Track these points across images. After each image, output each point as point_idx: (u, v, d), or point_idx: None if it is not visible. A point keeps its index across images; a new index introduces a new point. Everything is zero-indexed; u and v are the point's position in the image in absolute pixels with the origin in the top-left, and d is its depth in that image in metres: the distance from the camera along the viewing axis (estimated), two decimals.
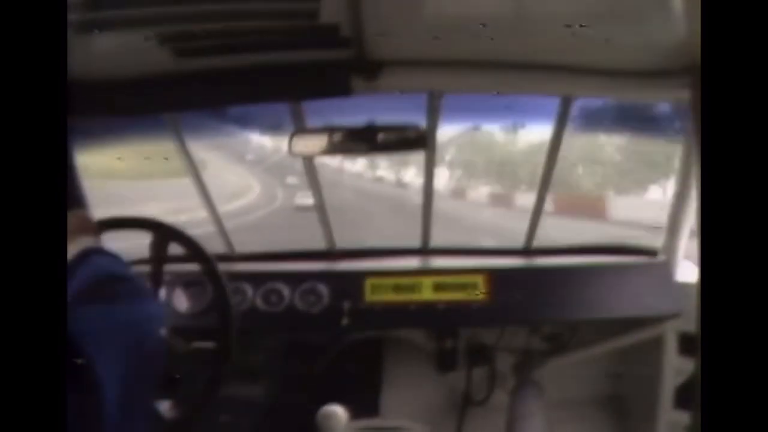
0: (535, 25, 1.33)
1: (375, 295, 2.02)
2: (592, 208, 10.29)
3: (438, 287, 2.03)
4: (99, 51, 1.43)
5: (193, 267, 1.70)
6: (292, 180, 13.42)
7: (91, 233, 1.30)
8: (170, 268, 1.68)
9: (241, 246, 2.36)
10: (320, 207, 2.26)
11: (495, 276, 2.04)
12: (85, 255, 1.18)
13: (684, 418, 1.99)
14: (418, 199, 2.27)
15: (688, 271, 2.05)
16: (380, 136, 1.70)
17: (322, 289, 2.02)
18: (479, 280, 2.03)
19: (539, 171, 2.12)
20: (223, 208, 2.30)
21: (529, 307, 2.01)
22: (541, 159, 2.08)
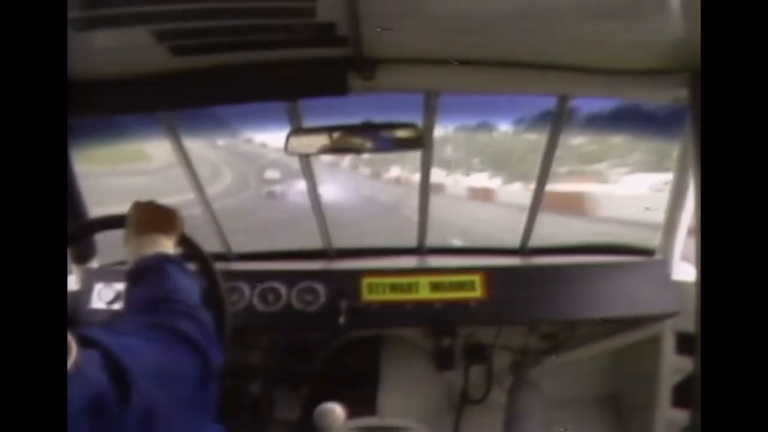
0: (533, 24, 1.33)
1: (372, 294, 2.02)
2: None
3: (435, 286, 2.02)
4: (95, 49, 1.42)
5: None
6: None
7: (174, 237, 1.22)
8: None
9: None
10: (317, 206, 2.26)
11: (492, 275, 2.04)
12: (160, 262, 1.10)
13: (681, 416, 2.00)
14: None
15: (685, 270, 2.05)
16: (377, 135, 1.69)
17: (319, 288, 2.02)
18: (476, 279, 2.03)
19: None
20: None
21: (526, 306, 2.01)
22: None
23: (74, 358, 0.71)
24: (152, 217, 1.21)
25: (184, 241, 1.28)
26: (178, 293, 1.02)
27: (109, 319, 0.92)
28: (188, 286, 1.08)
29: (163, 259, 1.11)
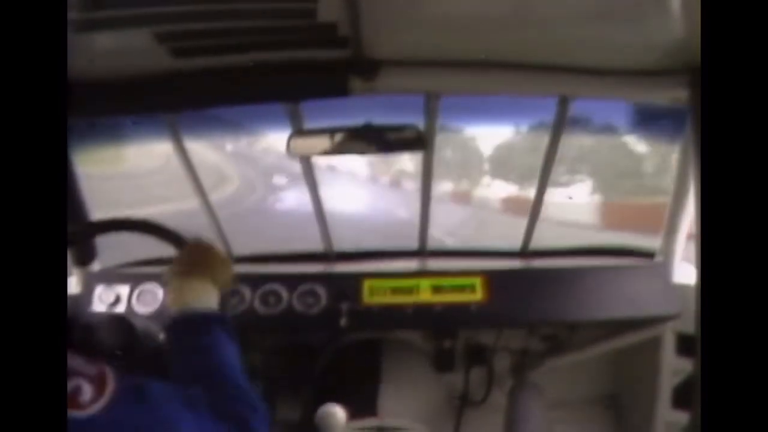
0: (534, 25, 1.33)
1: (373, 297, 2.01)
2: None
3: (435, 289, 2.02)
4: (96, 50, 1.42)
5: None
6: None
7: (225, 287, 1.17)
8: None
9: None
10: (318, 209, 2.25)
11: (492, 278, 2.03)
12: (209, 322, 1.05)
13: (682, 418, 1.99)
14: None
15: (685, 272, 2.05)
16: (378, 137, 1.70)
17: (321, 290, 2.02)
18: (477, 281, 2.03)
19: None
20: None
21: (527, 309, 2.01)
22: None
23: (109, 395, 0.74)
24: (207, 261, 1.16)
25: (224, 300, 1.22)
26: (227, 368, 1.01)
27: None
28: (235, 354, 1.05)
29: (213, 319, 1.07)
